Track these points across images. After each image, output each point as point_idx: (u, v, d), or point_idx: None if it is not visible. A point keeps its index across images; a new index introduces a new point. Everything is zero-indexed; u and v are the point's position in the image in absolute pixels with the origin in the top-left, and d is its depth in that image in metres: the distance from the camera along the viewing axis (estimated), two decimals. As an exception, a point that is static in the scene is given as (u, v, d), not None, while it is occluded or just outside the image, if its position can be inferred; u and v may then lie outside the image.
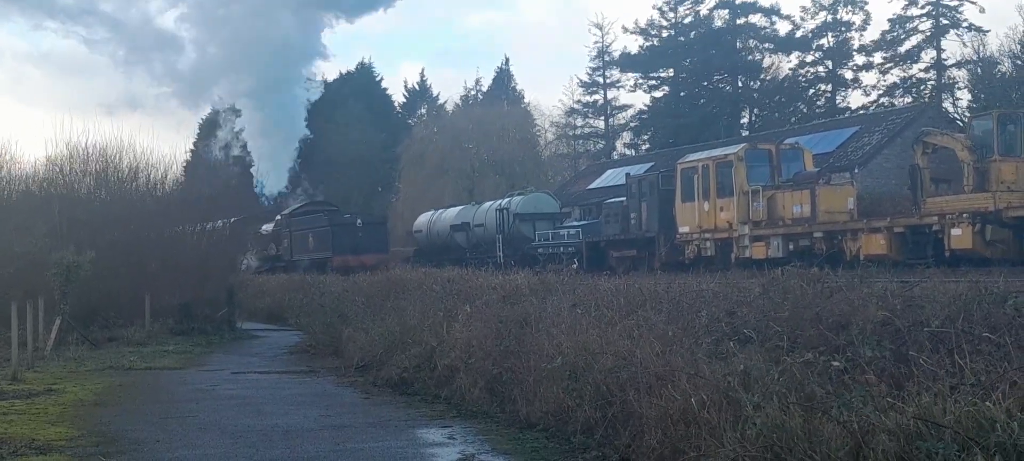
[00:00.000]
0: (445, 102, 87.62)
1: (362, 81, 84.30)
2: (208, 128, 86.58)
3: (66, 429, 12.42)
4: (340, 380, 17.53)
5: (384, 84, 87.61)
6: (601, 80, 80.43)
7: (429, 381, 15.40)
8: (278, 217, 53.66)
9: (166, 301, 27.23)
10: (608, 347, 11.17)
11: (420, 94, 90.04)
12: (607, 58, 79.51)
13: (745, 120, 72.40)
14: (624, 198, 35.79)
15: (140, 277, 27.07)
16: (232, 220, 56.19)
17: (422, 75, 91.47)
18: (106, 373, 18.79)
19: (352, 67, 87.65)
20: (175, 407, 14.49)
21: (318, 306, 25.31)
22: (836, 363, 8.48)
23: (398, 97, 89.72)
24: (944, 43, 65.07)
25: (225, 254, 31.69)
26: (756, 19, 72.62)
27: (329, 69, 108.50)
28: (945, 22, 64.84)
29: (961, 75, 62.91)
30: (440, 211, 51.40)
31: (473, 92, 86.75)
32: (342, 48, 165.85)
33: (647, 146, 74.15)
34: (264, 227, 53.56)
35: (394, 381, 16.14)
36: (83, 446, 11.36)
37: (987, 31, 62.32)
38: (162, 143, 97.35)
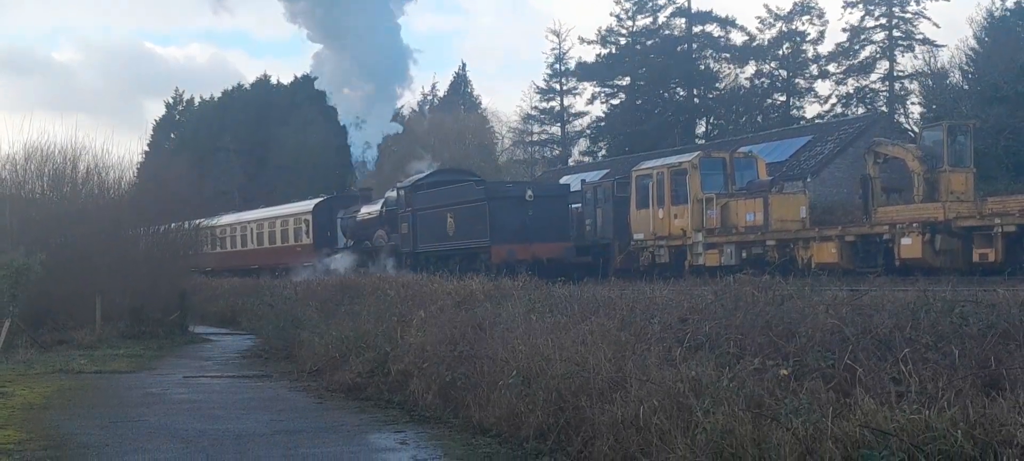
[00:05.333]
0: (402, 106, 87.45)
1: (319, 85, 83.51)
2: (164, 127, 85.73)
3: (14, 433, 12.28)
4: (293, 385, 17.44)
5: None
6: (558, 87, 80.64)
7: (382, 386, 15.36)
8: (391, 192, 39.32)
9: (117, 304, 26.86)
10: (561, 353, 11.21)
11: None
12: (564, 65, 79.77)
13: (701, 129, 72.79)
14: (580, 204, 35.92)
15: (91, 279, 26.63)
16: (317, 201, 45.75)
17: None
18: (55, 376, 18.57)
19: (308, 70, 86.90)
20: (125, 411, 14.36)
21: (272, 310, 25.18)
22: (784, 371, 8.58)
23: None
24: (897, 54, 65.97)
25: (178, 256, 31.23)
26: (712, 29, 73.11)
27: (283, 72, 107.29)
28: (899, 34, 65.67)
29: (913, 87, 63.74)
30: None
31: (429, 97, 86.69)
32: (295, 51, 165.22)
33: (603, 153, 74.31)
34: (364, 210, 41.43)
35: (347, 386, 16.07)
36: (32, 450, 11.25)
37: (942, 46, 63.22)
38: (117, 145, 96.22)
